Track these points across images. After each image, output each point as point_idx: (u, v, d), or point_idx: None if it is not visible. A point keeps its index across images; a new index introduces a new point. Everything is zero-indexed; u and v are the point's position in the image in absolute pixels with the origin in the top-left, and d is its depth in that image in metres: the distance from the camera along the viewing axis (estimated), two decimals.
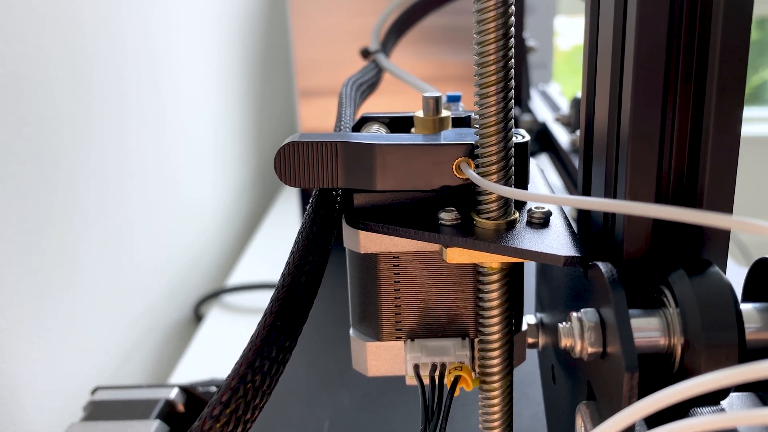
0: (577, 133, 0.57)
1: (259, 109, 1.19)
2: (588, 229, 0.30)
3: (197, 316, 0.85)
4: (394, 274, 0.31)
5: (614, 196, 0.27)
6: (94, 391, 0.47)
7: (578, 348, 0.24)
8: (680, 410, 0.25)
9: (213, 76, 0.96)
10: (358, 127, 0.34)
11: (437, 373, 0.30)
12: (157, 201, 0.77)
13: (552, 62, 1.24)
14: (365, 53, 0.50)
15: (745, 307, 0.24)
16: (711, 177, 0.25)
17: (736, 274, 0.26)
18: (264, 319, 0.25)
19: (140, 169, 0.73)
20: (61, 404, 0.57)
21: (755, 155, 1.83)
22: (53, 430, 0.56)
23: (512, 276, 0.30)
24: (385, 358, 0.32)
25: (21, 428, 0.52)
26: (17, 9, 0.51)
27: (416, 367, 0.30)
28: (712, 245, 0.26)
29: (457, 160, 0.28)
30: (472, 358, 0.31)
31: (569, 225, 0.29)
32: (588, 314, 0.24)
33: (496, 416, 0.32)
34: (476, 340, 0.31)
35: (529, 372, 0.45)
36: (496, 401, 0.31)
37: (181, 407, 0.46)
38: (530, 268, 0.38)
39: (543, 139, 0.65)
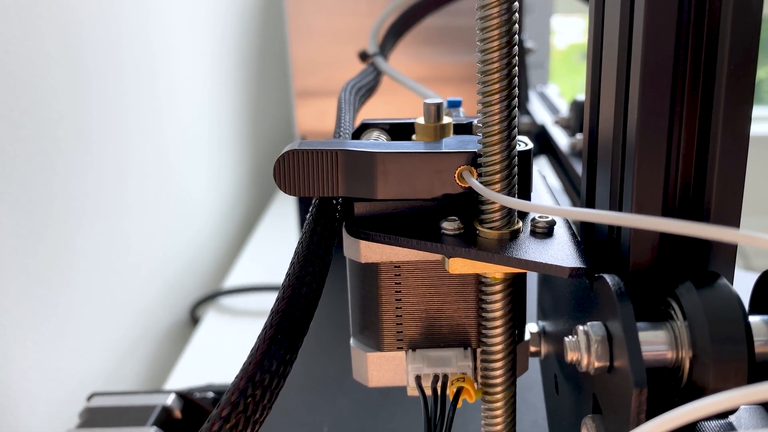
0: (577, 136, 0.56)
1: (256, 110, 1.18)
2: (592, 238, 0.29)
3: (193, 319, 0.84)
4: (396, 283, 0.30)
5: (620, 206, 0.26)
6: (90, 398, 0.47)
7: (585, 362, 0.24)
8: (688, 425, 0.25)
9: (209, 76, 0.95)
10: (358, 133, 0.33)
11: (439, 384, 0.30)
12: (152, 203, 0.77)
13: (549, 62, 1.23)
14: (363, 56, 0.49)
15: (754, 320, 0.24)
16: (718, 188, 0.25)
17: (736, 279, 0.26)
18: (264, 331, 0.25)
19: (136, 171, 0.72)
20: (56, 409, 0.57)
21: (751, 154, 1.83)
22: None
23: (515, 285, 0.30)
24: (387, 368, 0.31)
25: None
26: (12, 10, 0.51)
27: (418, 378, 0.30)
28: (719, 256, 0.26)
29: (459, 169, 0.28)
30: (475, 368, 0.31)
31: (574, 235, 0.28)
32: (594, 327, 0.24)
33: (499, 427, 0.31)
34: (479, 350, 0.31)
35: (528, 377, 0.45)
36: (498, 412, 0.31)
37: (178, 413, 0.46)
38: (532, 276, 0.38)
39: (542, 141, 0.64)
